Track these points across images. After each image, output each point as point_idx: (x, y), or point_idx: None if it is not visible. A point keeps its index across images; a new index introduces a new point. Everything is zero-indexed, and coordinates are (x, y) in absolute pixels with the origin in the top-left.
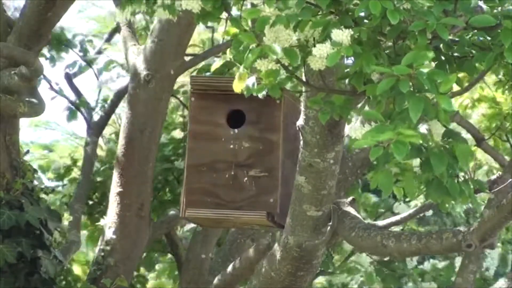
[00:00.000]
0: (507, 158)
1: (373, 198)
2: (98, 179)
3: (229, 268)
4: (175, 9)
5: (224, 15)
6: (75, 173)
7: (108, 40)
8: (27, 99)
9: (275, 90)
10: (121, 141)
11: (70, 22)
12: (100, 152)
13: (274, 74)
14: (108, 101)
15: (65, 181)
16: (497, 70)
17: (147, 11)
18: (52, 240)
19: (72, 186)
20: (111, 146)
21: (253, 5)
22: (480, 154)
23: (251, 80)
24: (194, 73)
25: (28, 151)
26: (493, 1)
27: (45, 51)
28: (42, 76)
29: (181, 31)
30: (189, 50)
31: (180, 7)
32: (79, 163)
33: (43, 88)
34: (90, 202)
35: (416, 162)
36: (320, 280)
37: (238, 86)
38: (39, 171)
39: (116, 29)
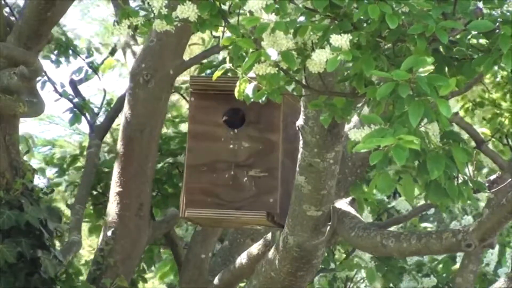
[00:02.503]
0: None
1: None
2: (105, 169)
3: (229, 268)
4: (172, 19)
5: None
6: (81, 162)
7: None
8: (27, 99)
9: (275, 95)
10: (121, 141)
11: (73, 24)
12: (108, 140)
13: (274, 79)
14: (112, 105)
15: (70, 170)
16: (495, 71)
17: (144, 24)
18: (52, 240)
19: (78, 173)
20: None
21: (251, 12)
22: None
23: (250, 87)
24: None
25: (28, 151)
26: (492, 2)
27: (50, 54)
28: (46, 78)
29: (181, 31)
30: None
31: (176, 17)
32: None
33: (47, 90)
34: (95, 192)
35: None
36: (320, 277)
37: (240, 93)
38: (43, 166)
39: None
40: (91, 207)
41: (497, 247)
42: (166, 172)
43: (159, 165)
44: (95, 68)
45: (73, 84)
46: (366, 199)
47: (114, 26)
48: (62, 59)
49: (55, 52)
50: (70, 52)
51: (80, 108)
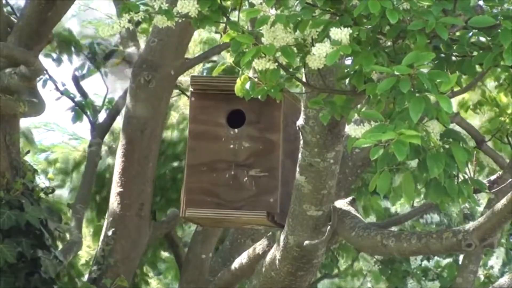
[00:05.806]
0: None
1: (383, 203)
2: (107, 175)
3: (229, 268)
4: (173, 15)
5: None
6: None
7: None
8: (27, 99)
9: (275, 92)
10: (121, 141)
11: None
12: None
13: (274, 75)
14: (113, 103)
15: (74, 174)
16: (499, 75)
17: (145, 19)
18: (52, 239)
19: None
20: None
21: (252, 5)
22: (481, 154)
23: (249, 84)
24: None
25: (28, 151)
26: (492, 0)
27: (52, 52)
28: (48, 77)
29: (181, 31)
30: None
31: (177, 13)
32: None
33: (48, 89)
34: (98, 198)
35: (414, 162)
36: (326, 284)
37: (240, 89)
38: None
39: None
40: (94, 213)
41: (503, 250)
42: (170, 178)
43: (163, 171)
44: (97, 65)
45: (76, 80)
46: (372, 206)
47: (115, 21)
48: (64, 57)
49: (57, 50)
50: (73, 49)
51: (82, 106)
